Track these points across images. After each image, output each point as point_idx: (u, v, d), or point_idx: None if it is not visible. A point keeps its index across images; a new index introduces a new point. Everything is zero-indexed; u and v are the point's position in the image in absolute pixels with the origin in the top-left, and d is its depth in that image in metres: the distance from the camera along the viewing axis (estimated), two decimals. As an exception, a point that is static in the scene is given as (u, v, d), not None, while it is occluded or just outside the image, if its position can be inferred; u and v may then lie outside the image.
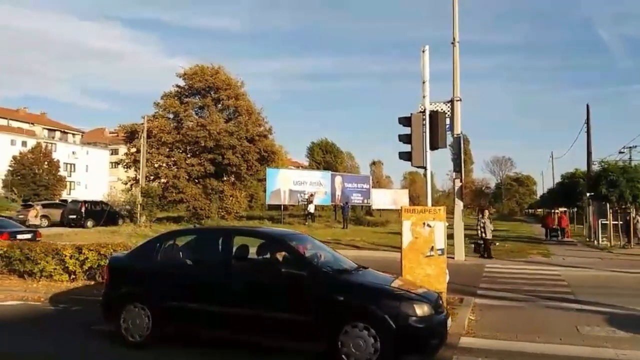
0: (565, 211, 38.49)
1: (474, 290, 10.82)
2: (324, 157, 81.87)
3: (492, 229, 18.69)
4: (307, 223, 34.15)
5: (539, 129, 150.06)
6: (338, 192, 41.03)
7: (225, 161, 36.13)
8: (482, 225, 18.12)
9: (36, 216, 22.96)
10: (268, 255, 6.88)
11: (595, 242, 25.41)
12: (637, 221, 24.51)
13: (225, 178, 38.35)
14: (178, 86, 38.35)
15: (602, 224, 25.33)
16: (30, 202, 37.52)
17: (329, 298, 5.89)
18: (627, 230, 23.95)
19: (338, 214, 40.48)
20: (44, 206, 33.71)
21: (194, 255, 7.22)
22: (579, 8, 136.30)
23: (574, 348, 6.60)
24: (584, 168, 30.18)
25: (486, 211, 19.90)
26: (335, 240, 21.76)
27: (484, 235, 18.00)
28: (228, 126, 36.32)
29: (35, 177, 61.31)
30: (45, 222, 24.33)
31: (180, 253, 7.25)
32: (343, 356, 5.62)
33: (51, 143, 74.36)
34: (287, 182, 37.66)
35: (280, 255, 6.70)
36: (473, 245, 18.51)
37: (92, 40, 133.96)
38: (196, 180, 36.58)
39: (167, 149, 36.58)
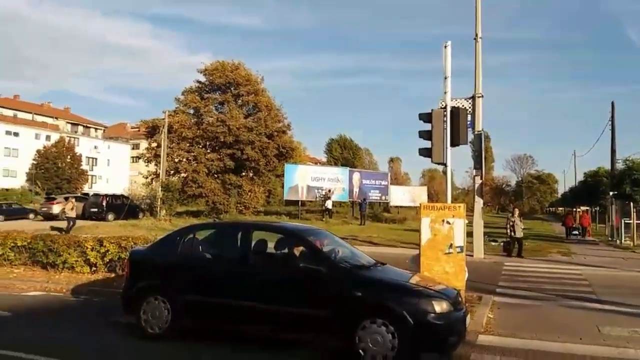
0: (587, 210, 37.92)
1: (492, 289, 10.72)
2: (342, 153, 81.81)
3: (523, 227, 18.28)
4: (324, 219, 34.17)
5: (562, 127, 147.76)
6: (356, 189, 40.94)
7: (244, 156, 36.33)
8: (511, 223, 17.62)
9: (72, 209, 23.10)
10: (286, 250, 6.89)
11: (618, 241, 24.98)
12: (662, 221, 24.05)
13: (243, 173, 38.60)
14: (199, 82, 38.65)
15: (625, 223, 24.87)
16: (57, 195, 38.24)
17: (346, 293, 5.89)
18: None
19: (355, 211, 40.43)
20: (66, 199, 34.37)
21: (213, 249, 7.27)
22: (606, 4, 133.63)
23: (595, 348, 6.50)
24: (607, 166, 29.68)
25: (516, 209, 19.33)
26: (352, 237, 21.73)
27: (513, 234, 17.58)
28: (247, 122, 36.49)
29: (58, 170, 62.51)
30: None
31: (200, 247, 7.31)
32: (360, 351, 5.62)
33: (74, 137, 75.68)
34: (305, 178, 37.70)
35: (298, 250, 6.71)
36: (502, 244, 18.22)
37: (116, 36, 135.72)
38: (215, 175, 36.88)
39: (188, 144, 36.90)
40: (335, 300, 5.91)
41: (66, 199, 33.06)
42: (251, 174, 38.84)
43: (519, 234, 17.66)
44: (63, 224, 23.61)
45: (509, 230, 17.74)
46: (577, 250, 20.85)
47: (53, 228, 22.85)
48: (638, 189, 21.54)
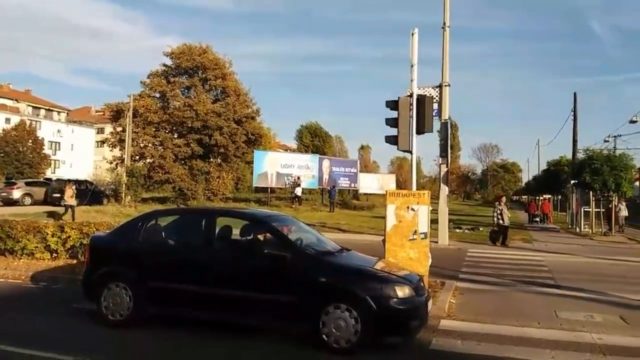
0: (549, 198, 38.96)
1: (455, 274, 10.92)
2: (313, 140, 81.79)
3: (510, 215, 18.01)
4: (293, 206, 34.16)
5: (527, 116, 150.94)
6: (325, 176, 41.02)
7: (212, 142, 35.91)
8: (498, 212, 17.41)
9: (72, 196, 22.23)
10: (251, 236, 6.86)
11: (578, 229, 25.80)
12: (619, 209, 24.91)
13: (211, 159, 38.15)
14: (165, 65, 37.88)
15: (584, 211, 25.68)
16: (17, 180, 37.03)
17: (311, 279, 5.90)
18: (609, 218, 24.32)
19: (325, 198, 40.55)
20: (27, 184, 33.32)
21: (176, 235, 7.17)
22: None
23: (552, 332, 6.70)
24: (569, 156, 30.49)
25: (503, 197, 19.27)
26: (320, 224, 21.81)
27: (501, 222, 17.39)
28: (215, 107, 36.00)
29: (19, 154, 60.42)
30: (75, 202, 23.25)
31: (163, 233, 7.19)
32: (324, 336, 5.66)
33: (36, 121, 73.18)
34: (274, 165, 37.53)
35: (263, 237, 6.70)
36: (489, 233, 18.05)
37: (81, 17, 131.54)
38: (182, 161, 36.34)
39: (153, 129, 36.19)
40: (300, 286, 5.92)
41: (12, 184, 32.11)
42: (219, 160, 38.43)
43: (507, 222, 17.57)
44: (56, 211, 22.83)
45: (496, 219, 17.52)
46: (538, 237, 21.43)
47: (49, 215, 22.01)
48: (597, 178, 22.21)
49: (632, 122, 28.16)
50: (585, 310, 7.91)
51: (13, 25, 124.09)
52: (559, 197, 41.00)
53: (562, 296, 9.14)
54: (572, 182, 26.98)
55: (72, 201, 22.26)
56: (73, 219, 19.72)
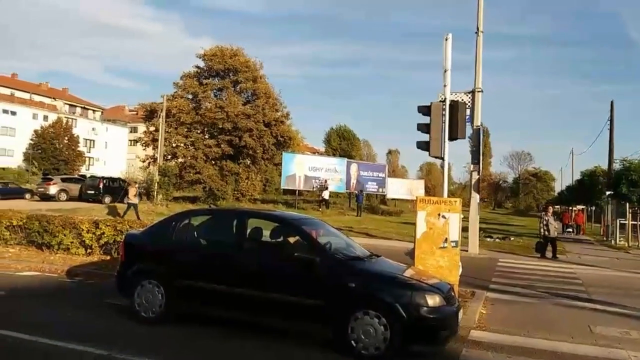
0: (582, 209, 38.03)
1: (486, 284, 10.75)
2: (341, 143, 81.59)
3: (557, 227, 17.20)
4: (320, 209, 34.21)
5: (561, 124, 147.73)
6: (353, 180, 40.94)
7: (242, 144, 36.30)
8: (544, 222, 16.81)
9: (135, 195, 22.43)
10: (281, 239, 6.90)
11: (613, 241, 25.09)
12: (657, 222, 24.14)
13: (241, 161, 38.54)
14: (198, 67, 38.51)
15: (620, 223, 24.97)
16: (53, 176, 38.10)
17: (340, 284, 5.90)
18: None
19: (352, 202, 40.45)
20: (62, 180, 34.25)
21: (208, 235, 7.27)
22: (608, 2, 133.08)
23: (586, 347, 6.53)
24: (604, 166, 29.72)
25: (550, 208, 18.65)
26: (347, 228, 21.76)
27: (546, 233, 16.76)
28: (246, 109, 36.41)
29: (56, 151, 62.27)
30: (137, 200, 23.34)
31: (195, 232, 7.30)
32: (352, 342, 5.64)
33: (72, 118, 75.32)
34: (302, 168, 37.66)
35: (293, 240, 6.72)
36: (535, 245, 17.35)
37: (118, 18, 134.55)
38: (213, 162, 36.82)
39: (185, 129, 36.81)
40: (328, 291, 5.92)
41: (49, 179, 32.97)
42: (249, 162, 38.81)
43: (553, 233, 16.85)
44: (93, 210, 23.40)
45: (542, 230, 16.87)
46: (571, 248, 20.93)
47: (113, 213, 22.26)
48: (634, 190, 21.59)
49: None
50: (621, 326, 7.69)
51: (52, 25, 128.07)
52: (593, 208, 39.98)
53: (596, 311, 8.91)
54: (608, 193, 26.25)
55: (135, 200, 22.42)
56: (137, 218, 19.78)
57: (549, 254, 16.56)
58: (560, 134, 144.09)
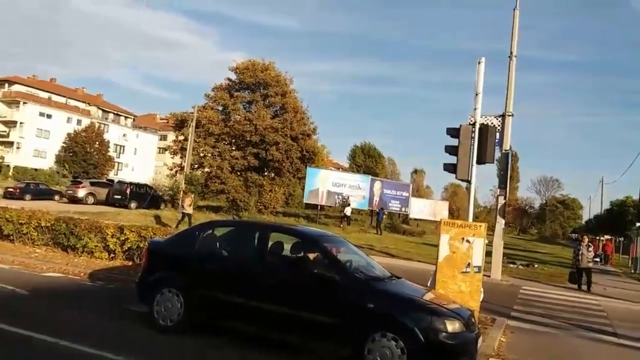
0: (610, 239, 37.09)
1: (507, 312, 10.54)
2: (365, 160, 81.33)
3: (590, 258, 16.46)
4: (342, 225, 34.08)
5: (591, 152, 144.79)
6: (376, 198, 40.71)
7: (269, 157, 36.56)
8: (577, 252, 16.23)
9: (190, 205, 22.22)
10: (302, 255, 6.89)
11: (641, 274, 24.36)
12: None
13: (266, 173, 38.79)
14: (229, 79, 39.05)
15: (650, 256, 24.25)
16: (82, 179, 38.92)
17: (359, 304, 5.85)
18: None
19: (374, 219, 40.22)
20: (91, 184, 34.97)
21: (230, 246, 7.31)
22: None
23: (609, 384, 6.33)
24: (635, 196, 29.01)
25: (585, 237, 17.92)
26: (368, 246, 21.62)
27: (579, 264, 16.14)
28: (274, 122, 36.71)
29: (86, 155, 63.69)
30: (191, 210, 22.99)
31: (217, 243, 7.36)
32: (368, 364, 5.58)
33: (104, 124, 77.08)
34: (326, 183, 37.66)
35: (313, 256, 6.71)
36: (569, 275, 16.82)
37: (154, 28, 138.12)
38: (238, 173, 37.14)
39: (214, 140, 37.26)
40: (346, 310, 5.88)
41: (79, 182, 33.64)
42: (273, 174, 39.02)
43: (584, 264, 16.15)
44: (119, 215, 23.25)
45: (576, 260, 16.33)
46: (597, 279, 20.28)
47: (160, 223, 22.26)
48: (666, 223, 20.97)
49: None
50: (647, 364, 7.44)
51: (91, 31, 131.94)
52: (622, 238, 38.93)
53: (621, 346, 8.64)
54: (638, 224, 25.56)
55: (190, 209, 22.25)
56: (176, 226, 19.77)
57: (584, 286, 16.02)
58: (590, 162, 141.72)
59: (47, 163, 64.95)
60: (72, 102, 77.14)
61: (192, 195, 23.66)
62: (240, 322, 6.54)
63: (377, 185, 42.12)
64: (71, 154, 62.94)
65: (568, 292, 15.34)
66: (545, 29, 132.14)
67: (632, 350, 8.38)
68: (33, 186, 36.62)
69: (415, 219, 47.89)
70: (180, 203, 24.63)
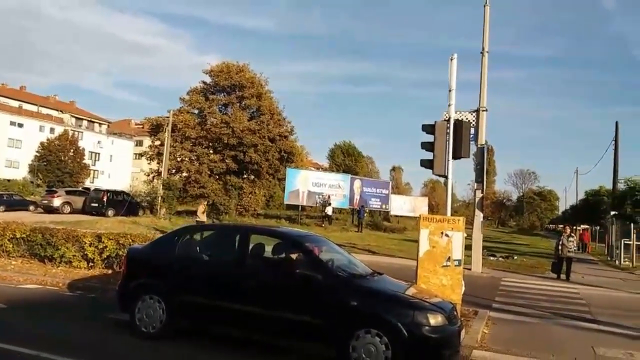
0: (587, 228, 37.85)
1: (489, 304, 10.68)
2: (345, 160, 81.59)
3: (570, 249, 16.67)
4: (323, 225, 34.14)
5: (566, 145, 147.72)
6: (356, 196, 40.83)
7: (247, 159, 36.44)
8: (559, 242, 16.55)
9: (203, 212, 21.70)
10: (283, 255, 6.88)
11: (617, 262, 24.89)
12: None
13: (245, 175, 38.65)
14: (204, 82, 38.84)
15: (624, 243, 24.79)
16: (58, 189, 38.21)
17: (342, 302, 5.87)
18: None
19: (355, 218, 40.38)
20: (67, 193, 34.36)
21: (210, 250, 7.27)
22: (614, 24, 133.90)
23: (589, 369, 6.46)
24: (609, 186, 29.65)
25: (567, 228, 18.19)
26: (350, 244, 21.70)
27: (560, 253, 16.43)
28: (251, 124, 36.59)
29: (61, 163, 62.60)
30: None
31: (198, 248, 7.31)
32: (353, 361, 5.60)
33: (78, 131, 75.85)
34: (306, 183, 37.64)
35: (295, 256, 6.70)
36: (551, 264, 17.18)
37: (126, 33, 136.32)
38: (217, 176, 36.94)
39: (191, 144, 37.01)
40: (330, 309, 5.89)
41: (54, 192, 32.91)
42: (252, 177, 38.90)
43: (565, 254, 16.42)
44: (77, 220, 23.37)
45: (558, 250, 16.61)
46: (575, 268, 20.70)
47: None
48: (639, 210, 21.48)
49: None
50: (624, 348, 7.61)
51: (62, 38, 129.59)
52: (597, 227, 39.80)
53: (600, 332, 8.83)
54: (612, 213, 26.15)
55: (204, 217, 21.84)
56: None
57: (563, 275, 16.33)
58: (565, 154, 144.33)
59: (20, 173, 63.56)
60: (44, 110, 75.74)
61: (205, 203, 23.40)
62: (224, 325, 6.51)
63: (357, 183, 42.24)
64: (45, 163, 61.77)
65: (548, 282, 15.62)
66: (518, 25, 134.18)
67: (610, 335, 8.56)
68: (6, 197, 35.83)
69: (396, 216, 48.24)
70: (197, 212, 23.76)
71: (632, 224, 23.42)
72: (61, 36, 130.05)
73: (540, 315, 10.08)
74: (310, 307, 5.97)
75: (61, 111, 78.23)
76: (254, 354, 6.27)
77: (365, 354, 5.56)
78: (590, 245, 33.47)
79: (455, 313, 6.33)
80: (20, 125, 69.48)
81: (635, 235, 23.82)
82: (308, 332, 5.96)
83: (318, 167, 78.49)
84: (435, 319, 5.67)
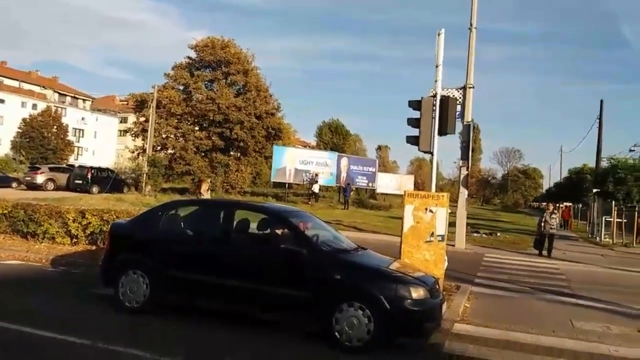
0: (570, 206, 38.43)
1: (471, 279, 10.84)
2: (332, 138, 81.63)
3: (552, 225, 16.76)
4: (310, 202, 34.20)
5: (551, 122, 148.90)
6: (343, 174, 40.96)
7: (233, 136, 36.17)
8: (544, 219, 16.56)
9: (207, 189, 21.78)
10: (268, 231, 6.90)
11: (598, 238, 25.37)
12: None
13: (231, 153, 38.42)
14: (189, 58, 38.23)
15: (605, 221, 25.23)
16: (41, 165, 37.70)
17: (326, 276, 5.92)
18: (632, 229, 23.83)
19: (341, 196, 40.51)
20: (50, 169, 33.94)
21: (195, 226, 7.24)
22: (603, 2, 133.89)
23: (567, 341, 6.60)
24: (593, 164, 29.99)
25: (550, 205, 18.36)
26: (336, 221, 21.77)
27: (542, 229, 16.61)
28: (237, 101, 36.23)
29: (44, 140, 61.64)
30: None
31: (182, 223, 7.28)
32: (336, 334, 5.67)
33: (61, 107, 74.51)
34: (293, 161, 37.59)
35: (280, 232, 6.72)
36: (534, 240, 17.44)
37: (111, 8, 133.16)
38: (203, 153, 36.67)
39: (176, 121, 36.62)
40: (314, 283, 5.94)
41: (37, 168, 32.51)
42: (239, 154, 38.69)
43: (547, 230, 16.56)
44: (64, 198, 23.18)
45: (541, 227, 16.80)
46: (557, 245, 21.03)
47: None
48: (621, 188, 21.83)
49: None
50: (602, 321, 7.79)
51: (44, 13, 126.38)
52: (580, 205, 40.41)
53: (579, 306, 9.02)
54: (595, 190, 26.52)
55: (207, 194, 21.83)
56: None
57: (545, 251, 16.60)
58: (550, 131, 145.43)
59: (2, 150, 62.48)
60: (26, 86, 74.12)
61: (209, 181, 23.25)
62: (208, 300, 6.55)
63: (344, 161, 42.34)
64: (28, 140, 60.76)
65: (529, 257, 15.88)
66: (504, 1, 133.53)
67: (588, 309, 8.75)
68: (-12, 174, 35.31)
69: (382, 194, 48.48)
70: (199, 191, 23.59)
71: (613, 202, 23.81)
72: (45, 12, 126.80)
73: (521, 290, 10.27)
74: (295, 281, 6.02)
75: (43, 87, 76.59)
76: (236, 329, 6.31)
77: (348, 326, 5.63)
78: (572, 222, 34.02)
79: (437, 287, 6.41)
80: (2, 101, 68.04)
81: (616, 212, 24.24)
82: (293, 306, 6.02)
83: (305, 145, 78.27)
84: (417, 292, 5.74)
